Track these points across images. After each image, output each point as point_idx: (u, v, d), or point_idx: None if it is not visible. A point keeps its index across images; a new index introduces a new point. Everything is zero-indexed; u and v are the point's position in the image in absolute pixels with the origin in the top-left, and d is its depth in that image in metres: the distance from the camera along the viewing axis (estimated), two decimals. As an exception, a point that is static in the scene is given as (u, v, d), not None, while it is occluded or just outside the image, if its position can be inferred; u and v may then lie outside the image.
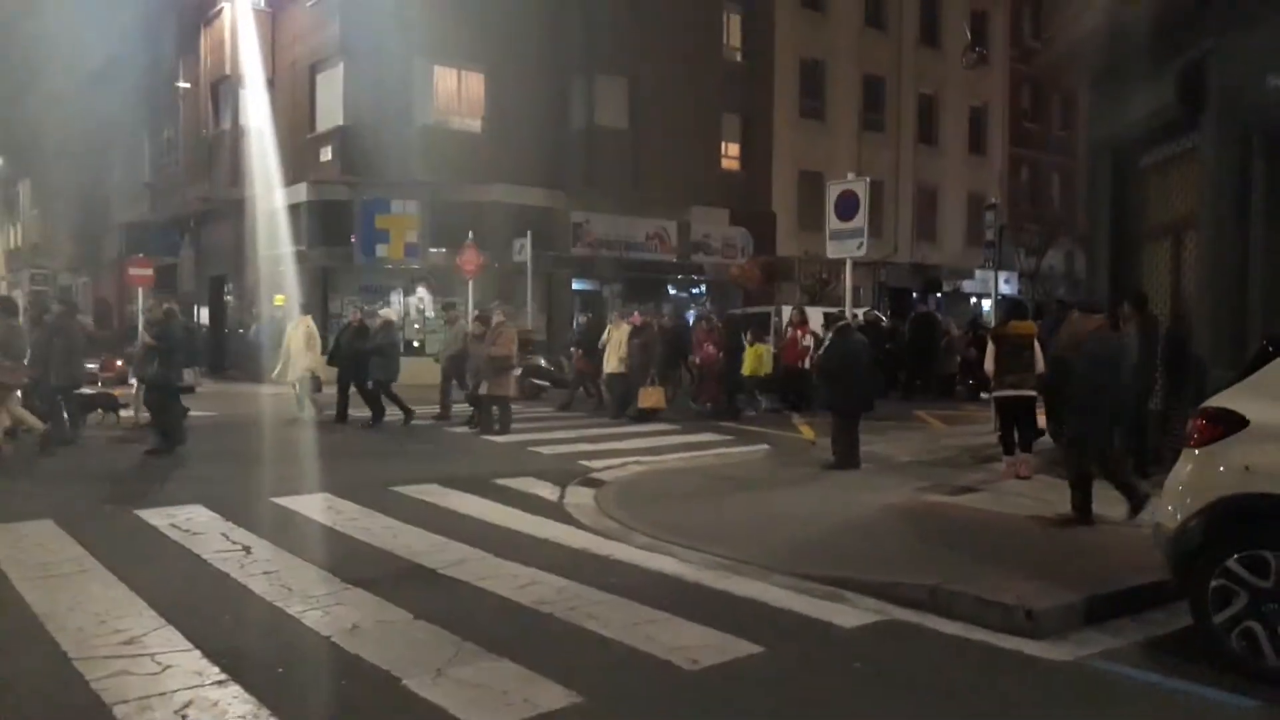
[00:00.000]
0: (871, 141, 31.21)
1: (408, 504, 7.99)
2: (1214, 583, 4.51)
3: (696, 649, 4.59)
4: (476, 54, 21.53)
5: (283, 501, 7.97)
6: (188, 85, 26.83)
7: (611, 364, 14.71)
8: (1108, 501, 7.20)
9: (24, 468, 9.71)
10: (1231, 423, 4.64)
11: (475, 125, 21.99)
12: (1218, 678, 4.37)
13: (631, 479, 9.28)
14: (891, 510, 7.72)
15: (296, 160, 21.66)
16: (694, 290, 26.24)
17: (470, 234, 19.15)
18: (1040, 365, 9.05)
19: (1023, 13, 35.89)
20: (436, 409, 14.27)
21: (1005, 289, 26.34)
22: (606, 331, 15.27)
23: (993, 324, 11.64)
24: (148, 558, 6.23)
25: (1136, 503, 6.96)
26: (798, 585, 5.70)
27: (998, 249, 13.39)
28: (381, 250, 21.05)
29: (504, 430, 12.61)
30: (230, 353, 24.16)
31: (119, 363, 16.73)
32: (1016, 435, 9.43)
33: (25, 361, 10.67)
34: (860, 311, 17.39)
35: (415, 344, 21.05)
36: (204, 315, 26.98)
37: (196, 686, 4.05)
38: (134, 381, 12.16)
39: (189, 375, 11.27)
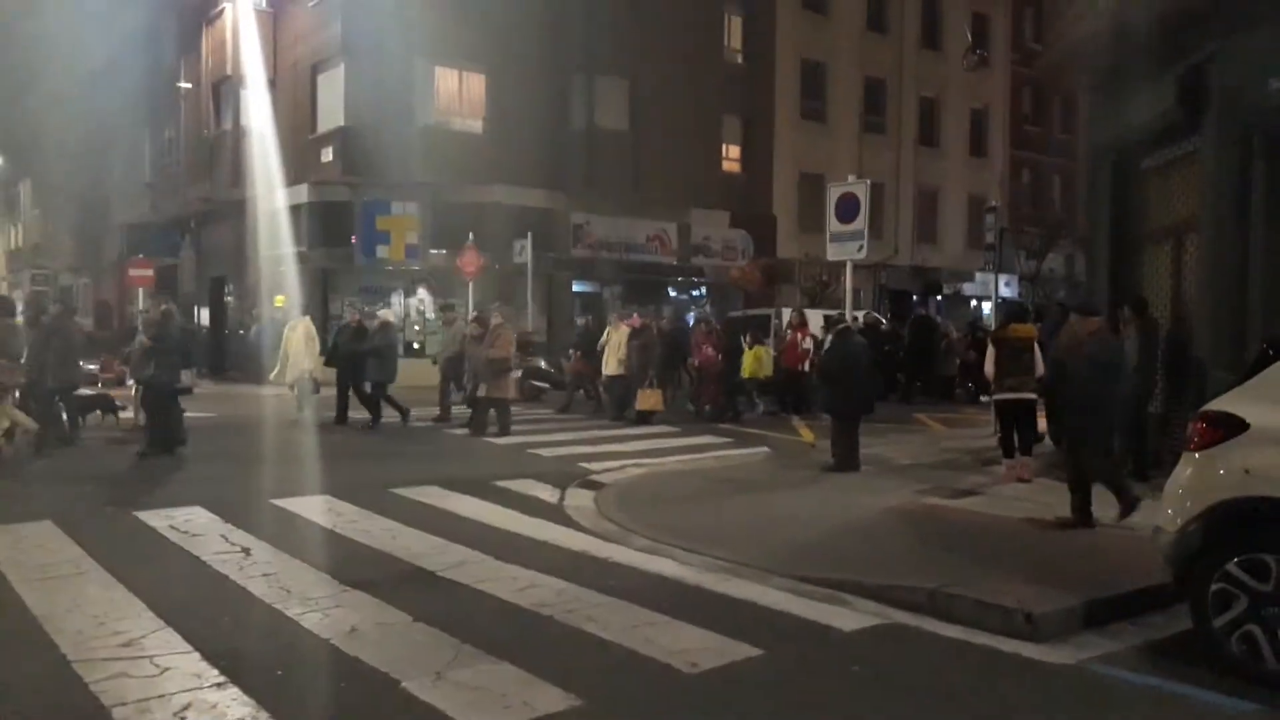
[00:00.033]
0: (872, 144, 31.21)
1: (407, 506, 7.99)
2: (1214, 586, 4.51)
3: (696, 651, 4.58)
4: (477, 55, 21.55)
5: (282, 503, 7.96)
6: (189, 85, 26.85)
7: (611, 366, 14.70)
8: (1108, 504, 7.20)
9: (23, 469, 9.71)
10: (1231, 426, 4.64)
11: (476, 126, 22.00)
12: (1217, 681, 4.36)
13: (631, 481, 9.27)
14: (891, 513, 7.71)
15: (297, 161, 21.67)
16: (694, 292, 26.24)
17: (471, 235, 19.16)
18: (1040, 368, 9.06)
19: (1024, 15, 35.92)
20: (436, 411, 14.27)
21: (1005, 292, 26.38)
22: (605, 333, 15.27)
23: (992, 327, 11.64)
24: (147, 559, 6.23)
25: (1127, 505, 7.01)
26: (797, 588, 5.69)
27: (998, 251, 13.37)
28: (382, 251, 21.05)
29: (503, 432, 12.60)
30: (230, 354, 24.16)
31: (117, 363, 16.73)
32: (1016, 438, 9.44)
33: (22, 361, 10.67)
34: (859, 314, 17.40)
35: (415, 345, 21.07)
36: (204, 316, 26.99)
37: (195, 689, 4.04)
38: (131, 383, 12.15)
39: (186, 377, 11.21)
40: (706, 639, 4.77)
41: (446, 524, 7.32)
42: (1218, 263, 8.32)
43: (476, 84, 22.04)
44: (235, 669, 4.23)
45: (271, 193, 21.59)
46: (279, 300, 20.80)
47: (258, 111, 22.14)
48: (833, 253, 11.83)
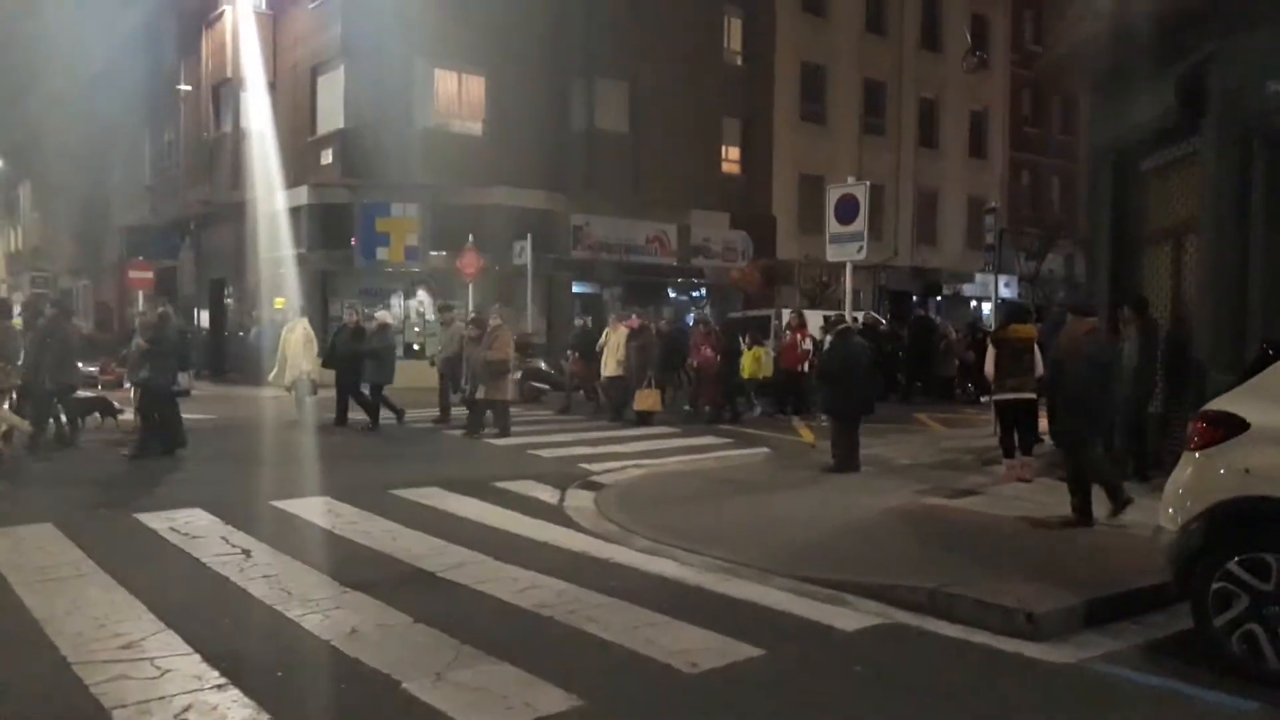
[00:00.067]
0: (872, 145, 31.23)
1: (407, 507, 7.98)
2: (1215, 585, 4.51)
3: (697, 652, 4.58)
4: (477, 57, 21.56)
5: (282, 505, 7.96)
6: (189, 88, 26.87)
7: (609, 367, 14.68)
8: (1101, 502, 7.21)
9: (22, 471, 9.70)
10: (1232, 426, 4.65)
11: (476, 128, 22.01)
12: (1218, 680, 4.36)
13: (631, 482, 9.27)
14: (891, 513, 7.71)
15: (297, 163, 21.68)
16: (694, 294, 26.24)
17: (470, 237, 19.16)
18: (1040, 368, 9.07)
19: (1023, 17, 35.95)
20: (436, 412, 14.26)
21: (1005, 292, 26.38)
22: (604, 334, 15.26)
23: (992, 327, 11.64)
24: (147, 561, 6.22)
25: (1119, 504, 7.06)
26: (798, 588, 5.69)
27: (998, 253, 13.38)
28: (382, 253, 21.06)
29: (503, 433, 12.60)
30: (230, 356, 24.15)
31: (113, 365, 16.72)
32: (1017, 438, 9.44)
33: (19, 363, 10.67)
34: (858, 315, 17.40)
35: (415, 347, 21.07)
36: (204, 318, 27.00)
37: (196, 690, 4.04)
38: (129, 385, 12.14)
39: (183, 379, 11.18)
40: (707, 639, 4.77)
41: (447, 525, 7.32)
42: (1218, 263, 8.32)
43: (476, 86, 22.05)
44: (236, 670, 4.23)
45: (271, 195, 21.60)
46: (279, 302, 20.79)
47: (257, 114, 22.16)
48: (832, 254, 11.83)
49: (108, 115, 29.93)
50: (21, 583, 5.56)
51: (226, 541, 6.67)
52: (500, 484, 9.02)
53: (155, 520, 7.25)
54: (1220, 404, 4.84)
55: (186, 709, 3.86)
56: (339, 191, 21.37)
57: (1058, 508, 7.41)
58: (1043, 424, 9.58)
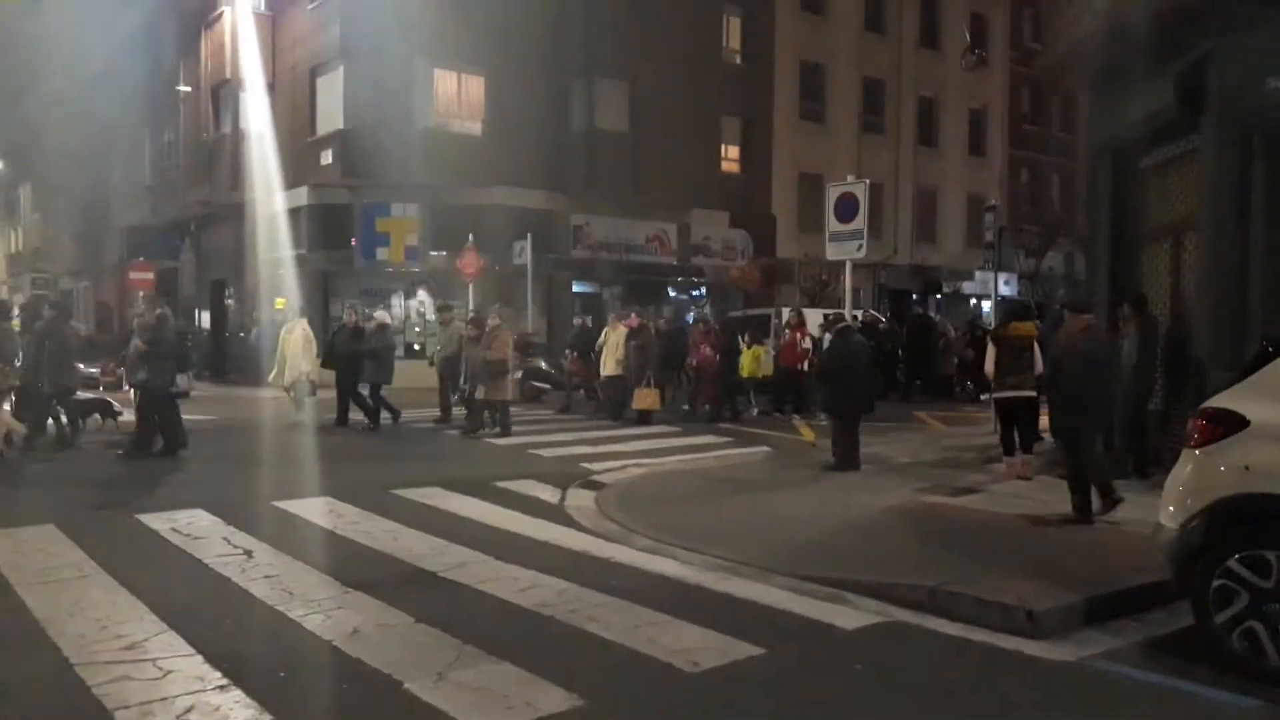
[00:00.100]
0: (871, 144, 31.22)
1: (409, 507, 7.99)
2: (1215, 583, 4.51)
3: (697, 651, 4.59)
4: (477, 57, 21.56)
5: (284, 505, 7.97)
6: (188, 89, 26.87)
7: (608, 367, 14.67)
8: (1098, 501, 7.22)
9: (23, 473, 9.71)
10: (1232, 423, 4.65)
11: (475, 128, 22.01)
12: (1219, 678, 4.37)
13: (632, 481, 9.28)
14: (892, 512, 7.72)
15: (297, 164, 21.69)
16: (694, 293, 26.25)
17: (471, 237, 19.17)
18: (1040, 366, 9.08)
19: (1022, 15, 35.93)
20: (436, 412, 14.27)
21: (1005, 290, 26.38)
22: (603, 334, 15.26)
23: (991, 325, 11.65)
24: (149, 562, 6.23)
25: (1108, 504, 7.12)
26: (798, 587, 5.70)
27: (997, 250, 13.40)
28: (382, 253, 21.07)
29: (504, 433, 12.61)
30: (231, 356, 24.18)
31: (111, 366, 16.73)
32: (1017, 436, 9.45)
33: (16, 365, 10.68)
34: (857, 313, 17.40)
35: (416, 347, 21.09)
36: (205, 319, 27.02)
37: (198, 691, 4.05)
38: (128, 387, 12.15)
39: (182, 380, 11.17)
40: (708, 638, 4.78)
41: (448, 525, 7.33)
42: (1217, 261, 8.32)
43: (476, 86, 22.05)
44: (238, 671, 4.24)
45: (271, 195, 21.61)
46: (279, 302, 20.80)
47: (257, 114, 22.16)
48: (832, 252, 11.84)
49: (107, 116, 29.94)
50: (23, 584, 5.57)
51: (228, 542, 6.67)
52: (501, 483, 9.03)
53: (157, 521, 7.26)
54: (1220, 401, 4.84)
55: (189, 710, 3.87)
56: (339, 192, 21.37)
57: (1058, 505, 7.42)
58: (1043, 421, 9.62)
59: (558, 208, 22.42)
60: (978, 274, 32.27)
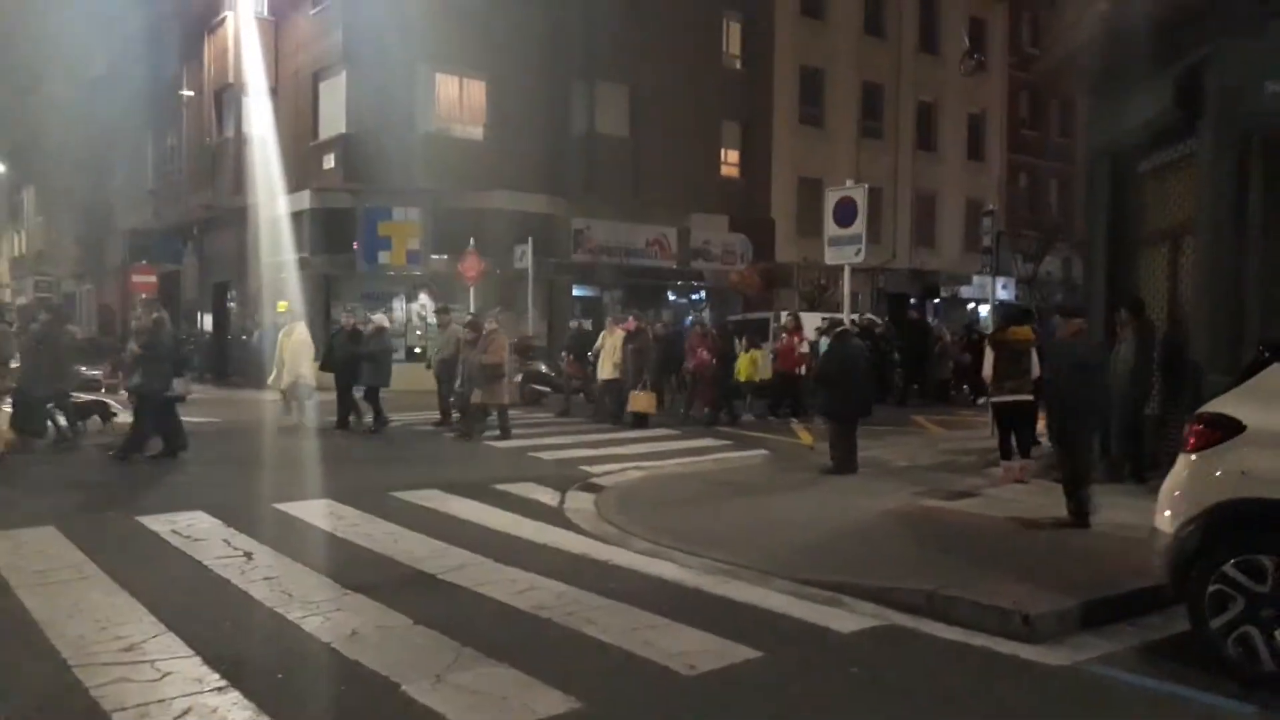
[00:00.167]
0: (870, 148, 31.25)
1: (408, 509, 8.01)
2: (1211, 588, 4.52)
3: (695, 654, 4.60)
4: (478, 62, 21.61)
5: (284, 507, 7.99)
6: (191, 93, 26.94)
7: (606, 370, 14.67)
8: (1107, 506, 7.23)
9: (23, 474, 9.73)
10: (1228, 428, 4.65)
11: (477, 132, 22.05)
12: (1214, 682, 4.38)
13: (631, 484, 9.29)
14: (889, 515, 7.73)
15: (299, 168, 21.74)
16: (694, 296, 26.28)
17: (472, 241, 19.20)
18: (1036, 370, 9.09)
19: (1021, 20, 35.97)
20: (436, 415, 14.29)
21: (1003, 295, 26.34)
22: (601, 338, 15.26)
23: (988, 329, 11.66)
24: (148, 564, 6.25)
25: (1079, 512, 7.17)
26: (796, 590, 5.71)
27: (995, 255, 13.39)
28: (384, 257, 21.12)
29: (504, 435, 12.62)
30: (233, 359, 24.21)
31: (108, 369, 16.75)
32: (1014, 440, 9.46)
33: (13, 367, 10.70)
34: (854, 317, 17.42)
35: (417, 350, 21.11)
36: (207, 322, 27.05)
37: (196, 693, 4.06)
38: (124, 391, 12.16)
39: (179, 384, 11.17)
40: (706, 641, 4.79)
41: (447, 527, 7.34)
42: (1214, 265, 8.34)
43: (477, 90, 22.10)
44: (236, 673, 4.26)
45: (273, 199, 21.66)
46: (281, 306, 20.83)
47: (259, 119, 22.23)
48: (831, 256, 11.84)
49: (111, 120, 30.01)
50: (23, 585, 5.59)
51: (228, 544, 6.69)
52: (500, 486, 9.05)
53: (157, 523, 7.28)
54: (1217, 406, 4.84)
55: (187, 711, 3.88)
56: (341, 196, 21.42)
57: (1054, 510, 7.42)
58: (1040, 425, 9.63)
59: (558, 212, 22.46)
60: (976, 278, 32.25)
